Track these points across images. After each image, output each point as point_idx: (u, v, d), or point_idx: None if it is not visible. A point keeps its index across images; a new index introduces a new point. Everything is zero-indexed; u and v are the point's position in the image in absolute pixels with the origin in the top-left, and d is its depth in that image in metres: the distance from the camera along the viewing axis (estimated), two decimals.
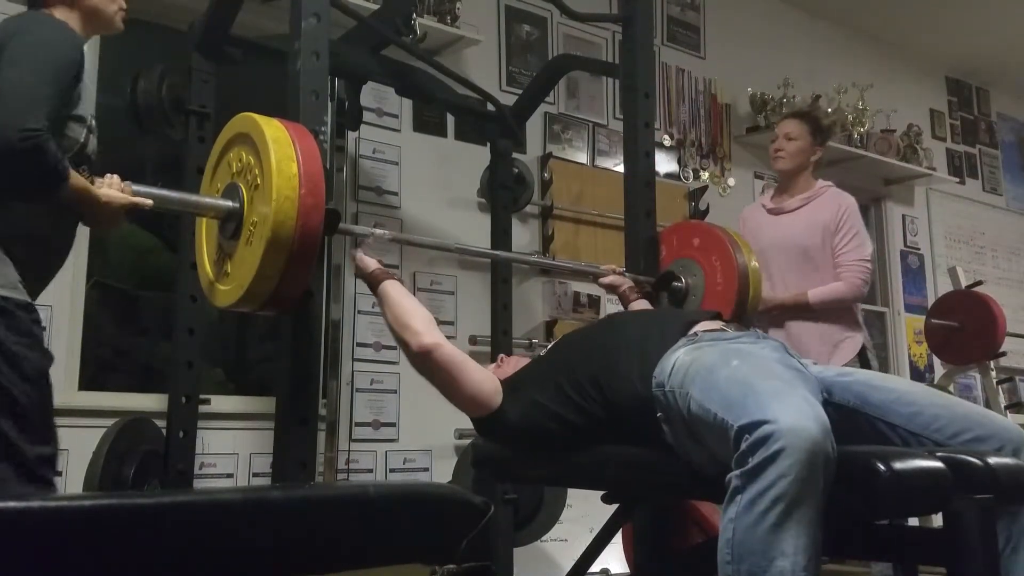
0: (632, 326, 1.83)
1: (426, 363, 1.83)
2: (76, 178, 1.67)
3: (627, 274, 2.50)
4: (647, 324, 1.87)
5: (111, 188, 1.72)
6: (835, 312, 2.99)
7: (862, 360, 3.07)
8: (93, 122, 1.82)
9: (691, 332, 1.74)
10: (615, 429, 1.74)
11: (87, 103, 1.80)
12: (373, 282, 1.96)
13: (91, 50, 2.08)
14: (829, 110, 4.94)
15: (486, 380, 1.83)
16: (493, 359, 3.10)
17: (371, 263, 1.99)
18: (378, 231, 2.07)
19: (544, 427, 1.78)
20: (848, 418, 1.59)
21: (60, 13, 1.83)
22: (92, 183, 1.70)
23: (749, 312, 2.53)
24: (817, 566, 1.32)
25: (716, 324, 1.80)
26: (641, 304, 2.43)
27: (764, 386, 1.43)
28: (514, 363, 2.00)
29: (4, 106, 1.59)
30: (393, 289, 1.93)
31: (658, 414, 1.62)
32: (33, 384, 1.63)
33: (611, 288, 2.49)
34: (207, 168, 2.02)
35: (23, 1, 1.99)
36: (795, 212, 3.06)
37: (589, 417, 1.74)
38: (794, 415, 1.33)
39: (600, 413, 1.73)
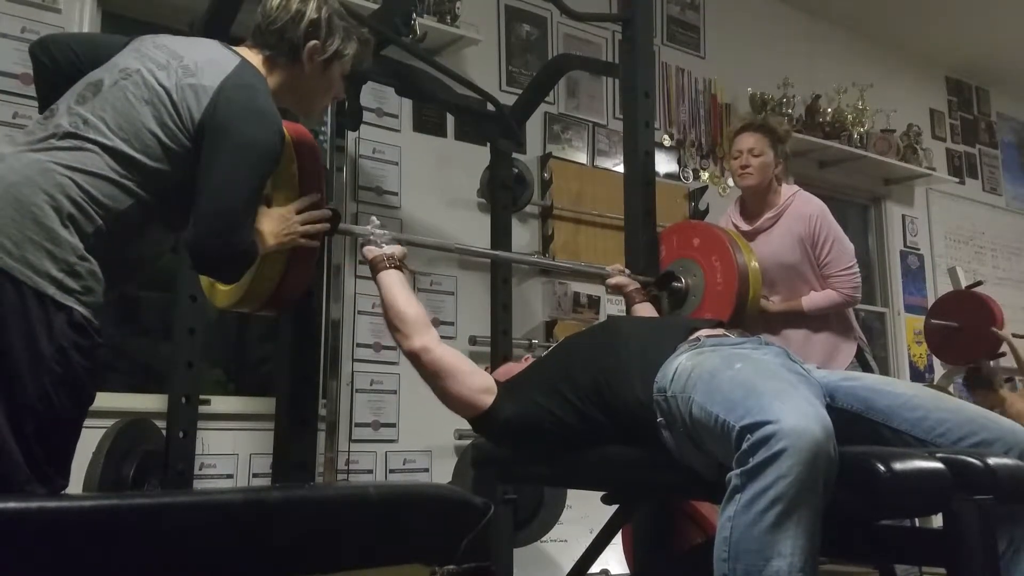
0: (634, 332, 1.83)
1: (414, 364, 1.85)
2: None
3: (630, 275, 2.50)
4: (649, 330, 1.87)
5: None
6: (829, 318, 2.97)
7: (861, 361, 3.07)
8: None
9: (692, 338, 1.74)
10: (614, 433, 1.73)
11: None
12: (373, 270, 1.96)
13: None
14: (829, 110, 4.95)
15: (474, 381, 1.82)
16: (493, 359, 3.11)
17: (372, 251, 1.97)
18: (377, 231, 2.05)
19: (540, 427, 1.78)
20: (851, 423, 1.58)
21: (265, 68, 1.72)
22: None
23: (749, 312, 2.53)
24: (814, 568, 1.32)
25: (718, 331, 1.80)
26: (646, 307, 2.43)
27: (767, 387, 1.42)
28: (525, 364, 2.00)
29: (226, 225, 1.55)
30: (386, 282, 1.91)
31: (659, 419, 1.62)
32: (79, 413, 1.55)
33: (617, 289, 2.49)
34: None
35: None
36: (769, 230, 2.96)
37: (588, 421, 1.74)
38: (797, 416, 1.33)
39: (600, 417, 1.73)
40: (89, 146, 1.53)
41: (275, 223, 1.75)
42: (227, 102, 1.57)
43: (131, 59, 1.63)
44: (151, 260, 1.74)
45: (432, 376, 1.83)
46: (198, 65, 1.60)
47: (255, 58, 1.71)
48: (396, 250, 1.97)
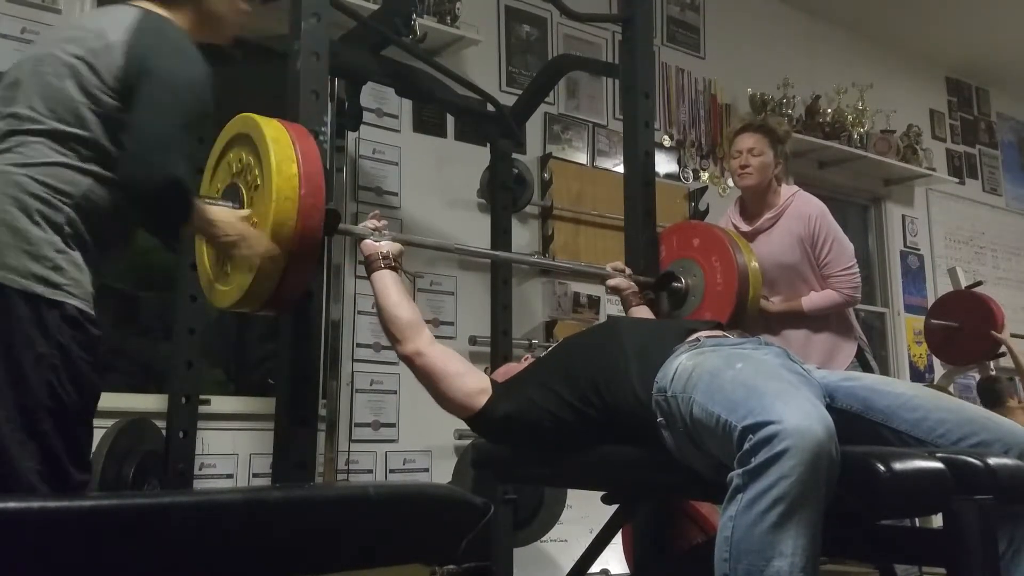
0: (633, 332, 1.83)
1: (409, 367, 1.86)
2: None
3: (630, 274, 2.51)
4: (648, 331, 1.87)
5: None
6: (829, 318, 2.97)
7: (861, 362, 3.06)
8: None
9: (692, 338, 1.74)
10: (612, 433, 1.73)
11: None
12: (367, 269, 1.96)
13: None
14: (829, 111, 4.95)
15: (467, 382, 1.82)
16: (493, 359, 3.11)
17: (368, 247, 1.97)
18: (374, 232, 2.04)
19: (539, 426, 1.78)
20: (850, 423, 1.57)
21: (167, 11, 1.72)
22: None
23: (749, 313, 2.53)
24: (815, 567, 1.32)
25: (717, 332, 1.80)
26: (642, 310, 2.44)
27: (769, 387, 1.42)
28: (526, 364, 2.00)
29: (150, 149, 1.55)
30: (380, 283, 1.91)
31: (659, 420, 1.61)
32: (87, 404, 1.57)
33: (615, 291, 2.50)
34: (207, 168, 2.02)
35: None
36: (769, 231, 2.95)
37: (586, 420, 1.74)
38: (799, 416, 1.33)
39: (598, 417, 1.73)
40: (31, 139, 1.55)
41: (240, 224, 1.73)
42: (141, 48, 1.60)
43: (40, 48, 1.66)
44: (131, 240, 1.75)
45: (425, 379, 1.84)
46: (104, 27, 1.63)
47: (155, 6, 1.72)
48: (392, 247, 1.97)
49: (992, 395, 4.04)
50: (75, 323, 1.53)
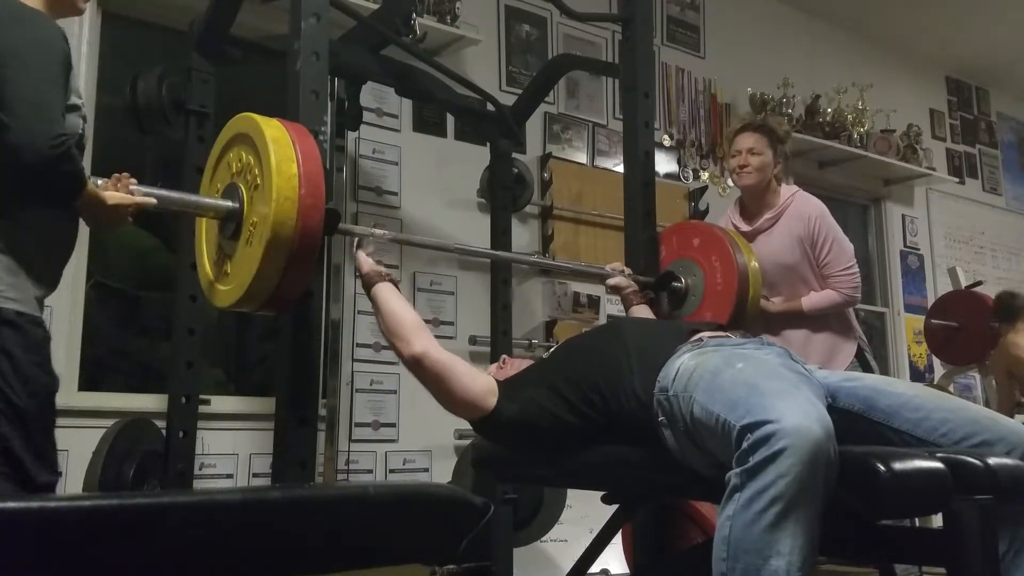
0: (634, 333, 1.83)
1: (416, 370, 1.83)
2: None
3: (630, 274, 2.51)
4: (650, 331, 1.87)
5: (121, 187, 1.72)
6: (829, 318, 2.97)
7: (861, 362, 3.06)
8: (84, 108, 1.80)
9: (695, 338, 1.74)
10: (613, 433, 1.73)
11: (76, 89, 1.77)
12: (367, 283, 1.96)
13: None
14: (829, 110, 4.95)
15: (477, 383, 1.82)
16: (493, 360, 3.11)
17: (366, 264, 1.97)
18: (377, 231, 2.06)
19: (540, 426, 1.78)
20: (852, 423, 1.58)
21: None
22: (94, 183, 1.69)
23: (750, 313, 2.53)
24: (812, 567, 1.32)
25: (720, 332, 1.80)
26: (643, 309, 2.44)
27: (768, 387, 1.42)
28: (516, 365, 1.99)
29: (29, 115, 1.56)
30: (383, 293, 1.91)
31: (660, 419, 1.61)
32: (41, 404, 1.58)
33: (615, 290, 2.50)
34: (207, 168, 2.02)
35: None
36: (769, 231, 2.95)
37: (587, 420, 1.74)
38: (798, 416, 1.33)
39: (599, 418, 1.73)
40: None
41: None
42: None
43: None
44: (63, 219, 1.74)
45: (435, 379, 1.81)
46: None
47: None
48: (383, 270, 1.98)
49: (1008, 310, 4.02)
50: (14, 326, 1.55)
